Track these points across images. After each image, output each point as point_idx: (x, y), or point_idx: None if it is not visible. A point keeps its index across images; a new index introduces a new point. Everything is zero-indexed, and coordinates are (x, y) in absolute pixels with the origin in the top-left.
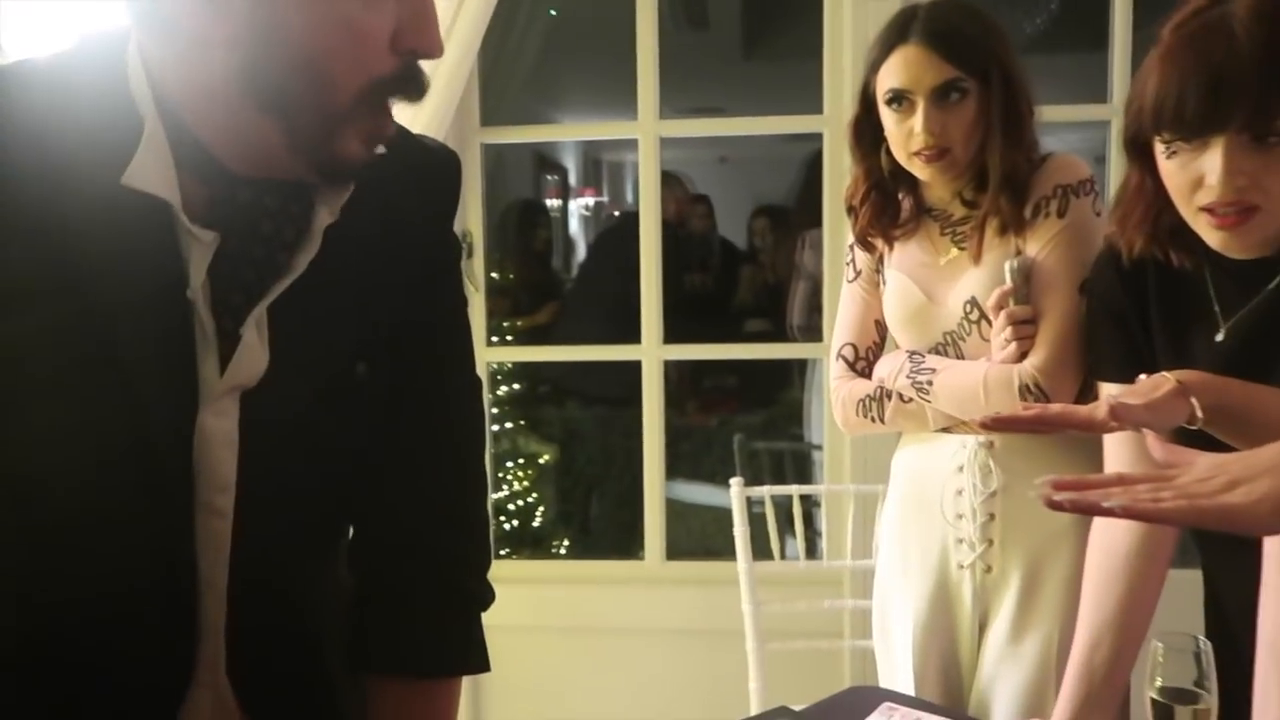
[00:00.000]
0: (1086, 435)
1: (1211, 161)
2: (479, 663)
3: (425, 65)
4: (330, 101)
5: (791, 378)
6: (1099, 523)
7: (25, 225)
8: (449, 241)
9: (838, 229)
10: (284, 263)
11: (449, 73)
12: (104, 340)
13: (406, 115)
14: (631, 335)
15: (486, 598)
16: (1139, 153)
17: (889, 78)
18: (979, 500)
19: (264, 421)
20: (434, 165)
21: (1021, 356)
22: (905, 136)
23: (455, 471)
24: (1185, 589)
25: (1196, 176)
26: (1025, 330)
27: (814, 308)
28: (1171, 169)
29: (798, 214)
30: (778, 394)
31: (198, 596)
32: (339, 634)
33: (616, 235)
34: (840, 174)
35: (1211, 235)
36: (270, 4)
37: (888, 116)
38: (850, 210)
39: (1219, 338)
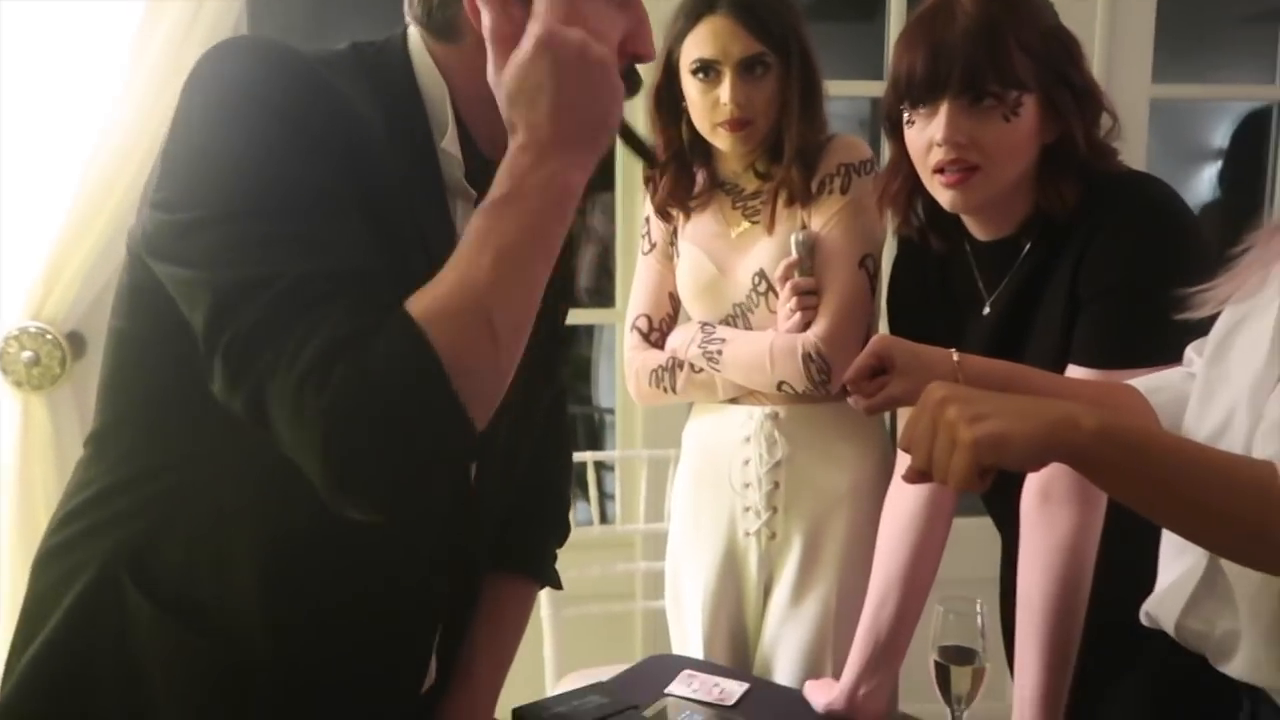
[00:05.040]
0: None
1: (937, 124)
2: (558, 581)
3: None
4: None
5: (579, 338)
6: (891, 489)
7: (388, 168)
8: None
9: (630, 194)
10: None
11: (213, 17)
12: (429, 260)
13: (166, 64)
14: None
15: (566, 535)
16: (893, 130)
17: (696, 48)
18: (764, 469)
19: None
20: None
21: (805, 326)
22: (710, 107)
23: (567, 433)
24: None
25: (929, 140)
26: (809, 301)
27: (603, 271)
28: (912, 136)
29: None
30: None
31: (471, 498)
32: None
33: None
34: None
35: (943, 195)
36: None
37: (692, 86)
38: (649, 181)
39: (985, 312)
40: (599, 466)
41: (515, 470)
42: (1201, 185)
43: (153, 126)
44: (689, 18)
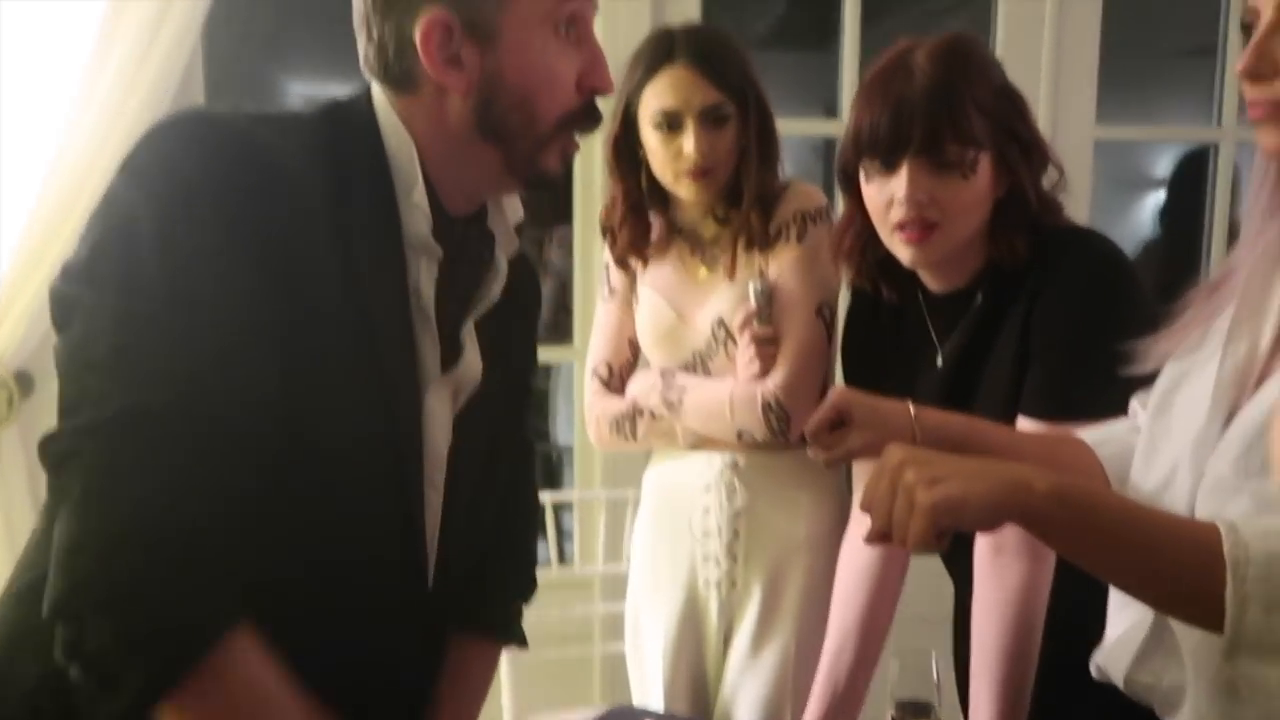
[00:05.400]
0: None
1: (898, 182)
2: (524, 639)
3: (141, 43)
4: (536, 130)
5: (537, 373)
6: (846, 537)
7: (325, 240)
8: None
9: (589, 229)
10: (484, 284)
11: (168, 45)
12: (372, 335)
13: (121, 85)
14: None
15: (532, 593)
16: (848, 184)
17: (656, 99)
18: (724, 518)
19: (463, 416)
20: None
21: (764, 375)
22: (673, 157)
23: (534, 488)
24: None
25: (889, 197)
26: (767, 350)
27: (561, 307)
28: (871, 193)
29: (547, 210)
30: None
31: (426, 562)
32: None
33: None
34: (591, 169)
35: (903, 251)
36: (495, 60)
37: (653, 137)
38: (607, 231)
39: (939, 363)
40: (557, 506)
41: (479, 530)
42: (1144, 216)
43: (102, 163)
44: (647, 69)
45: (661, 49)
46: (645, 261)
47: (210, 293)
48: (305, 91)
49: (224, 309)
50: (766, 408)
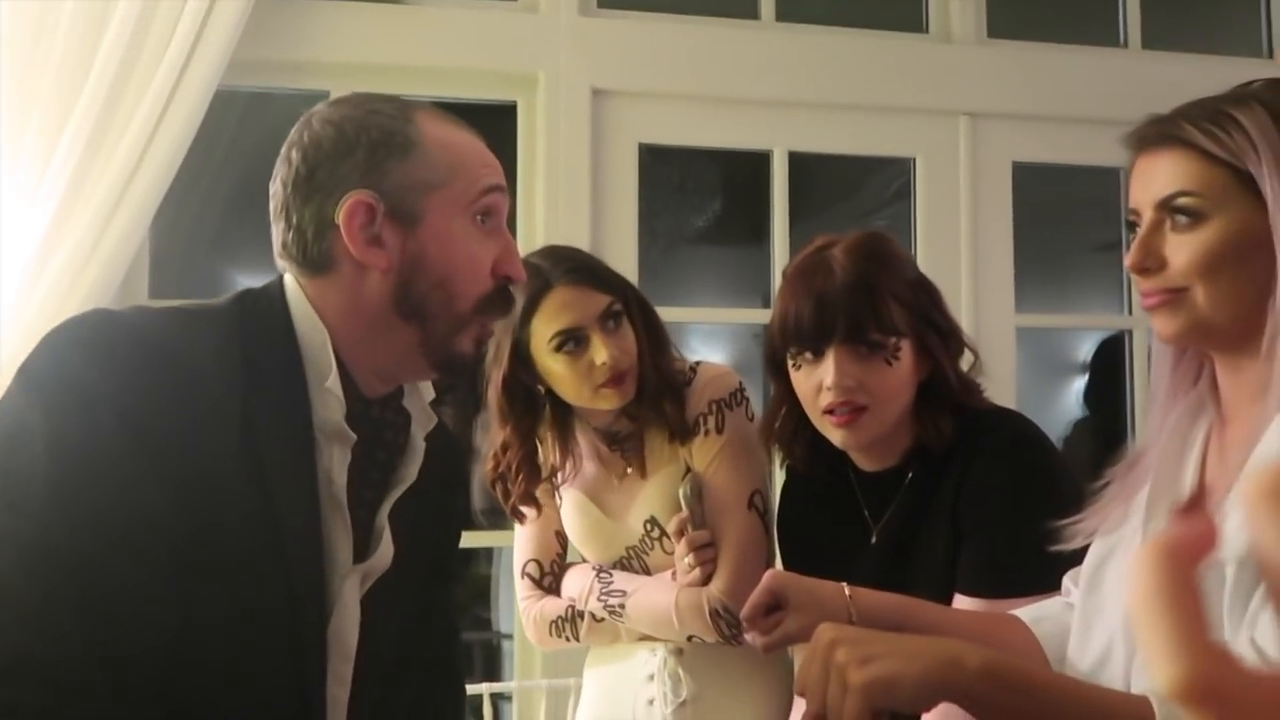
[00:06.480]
0: None
1: (826, 368)
2: None
3: (90, 234)
4: (455, 310)
5: (478, 558)
6: None
7: (231, 435)
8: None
9: None
10: (400, 466)
11: (115, 243)
12: (279, 531)
13: (64, 283)
14: None
15: None
16: (777, 371)
17: (551, 322)
18: (670, 710)
19: (375, 603)
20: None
21: (707, 580)
22: (585, 373)
23: (459, 677)
24: None
25: (817, 383)
26: (707, 554)
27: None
28: (799, 379)
29: (475, 392)
30: (462, 571)
31: None
32: None
33: None
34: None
35: (834, 434)
36: (416, 242)
37: (557, 361)
38: (499, 480)
39: (874, 541)
40: (495, 698)
41: (413, 647)
42: (1069, 399)
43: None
44: (529, 303)
45: (536, 281)
46: (540, 509)
47: (103, 510)
48: (250, 283)
49: (115, 529)
50: (715, 615)
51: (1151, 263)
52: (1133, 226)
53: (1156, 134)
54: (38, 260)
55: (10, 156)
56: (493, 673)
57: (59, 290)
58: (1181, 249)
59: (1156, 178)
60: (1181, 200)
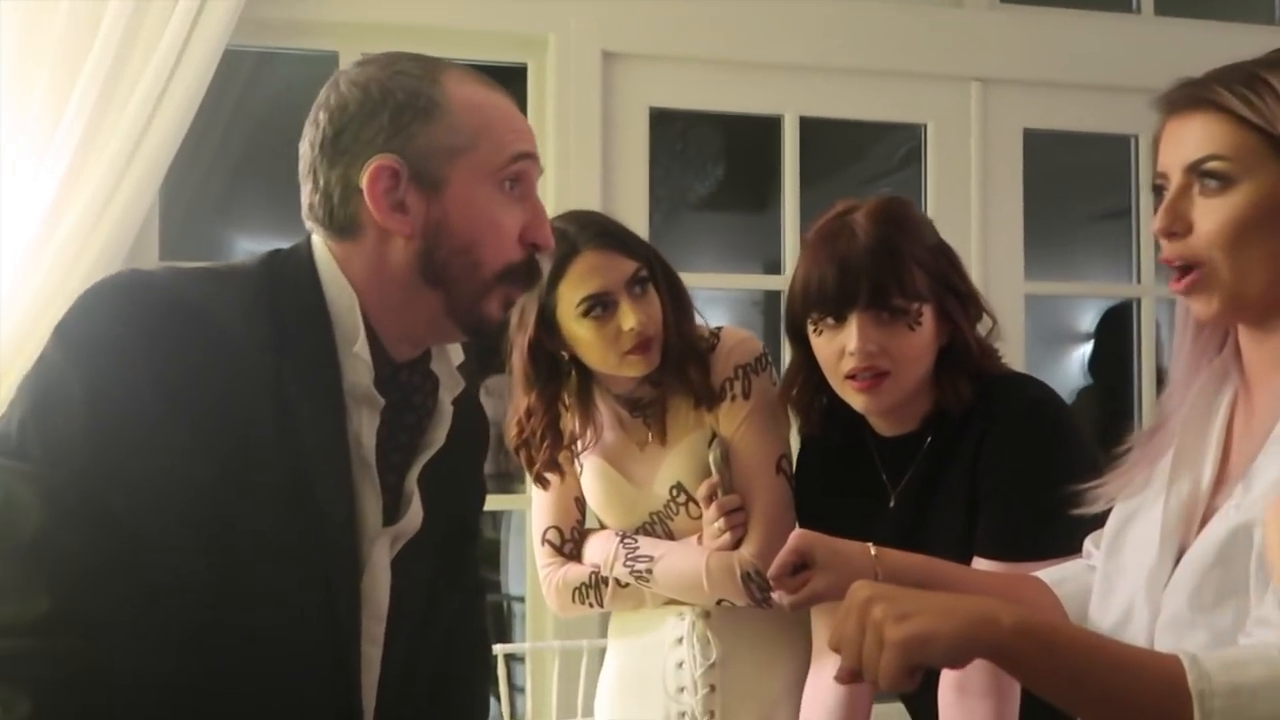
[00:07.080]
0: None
1: (849, 334)
2: None
3: (100, 196)
4: (479, 277)
5: (485, 522)
6: (809, 682)
7: (263, 396)
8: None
9: None
10: (428, 429)
11: (125, 204)
12: (311, 492)
13: (74, 245)
14: None
15: None
16: (796, 336)
17: (579, 288)
18: (699, 672)
19: (403, 564)
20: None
21: (737, 544)
22: (612, 339)
23: (484, 632)
24: None
25: (839, 349)
26: (737, 518)
27: (504, 452)
28: (820, 344)
29: (480, 357)
30: None
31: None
32: None
33: None
34: None
35: (855, 399)
36: (439, 208)
37: (585, 327)
38: (524, 447)
39: (891, 505)
40: (508, 659)
41: (416, 685)
42: (1073, 367)
43: (48, 320)
44: (556, 266)
45: (563, 246)
46: (563, 475)
47: (139, 467)
48: (255, 248)
49: (151, 484)
50: (746, 578)
51: (1179, 227)
52: (1159, 190)
53: (1187, 97)
54: (47, 222)
55: (18, 118)
56: (502, 634)
57: (69, 252)
58: (1209, 214)
59: (1186, 141)
60: (1211, 164)
